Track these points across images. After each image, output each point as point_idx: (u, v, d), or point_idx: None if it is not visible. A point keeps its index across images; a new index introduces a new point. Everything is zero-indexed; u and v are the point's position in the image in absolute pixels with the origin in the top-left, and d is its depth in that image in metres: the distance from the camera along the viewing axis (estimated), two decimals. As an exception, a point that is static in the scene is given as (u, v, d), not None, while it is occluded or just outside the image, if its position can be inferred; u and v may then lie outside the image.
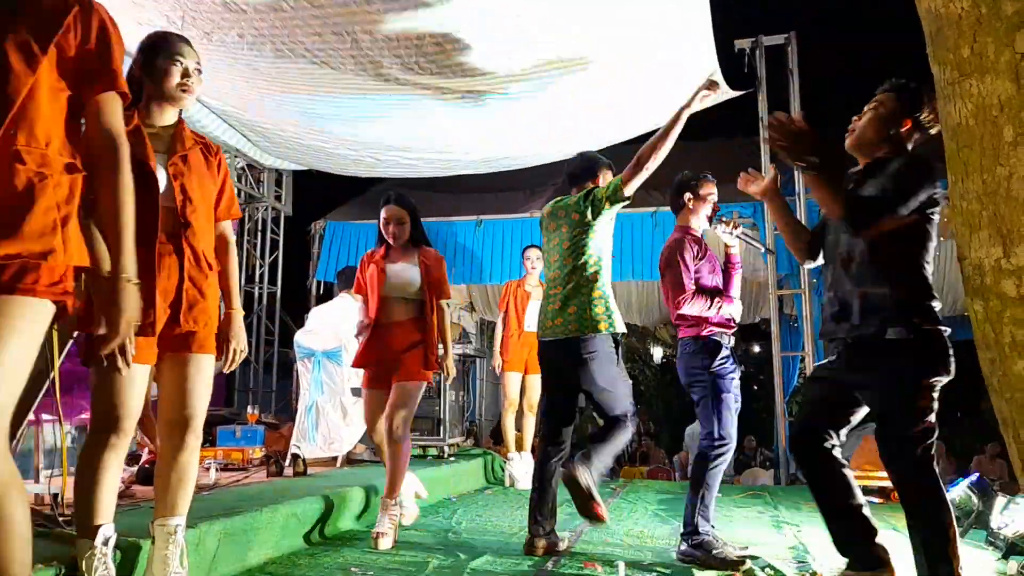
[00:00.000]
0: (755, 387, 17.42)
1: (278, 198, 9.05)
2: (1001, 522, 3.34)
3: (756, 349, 16.45)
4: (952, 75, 1.58)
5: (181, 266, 2.12)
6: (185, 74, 2.15)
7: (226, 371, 2.32)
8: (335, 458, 4.85)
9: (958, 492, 3.83)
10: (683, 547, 3.08)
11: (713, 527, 3.13)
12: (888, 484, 5.04)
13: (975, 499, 3.66)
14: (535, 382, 5.57)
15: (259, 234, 8.96)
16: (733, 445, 3.18)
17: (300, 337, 5.13)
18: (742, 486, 7.03)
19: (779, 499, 5.07)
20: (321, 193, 9.85)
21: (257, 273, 8.93)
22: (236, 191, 8.23)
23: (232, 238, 2.40)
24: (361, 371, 5.06)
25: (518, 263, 7.88)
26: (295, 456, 4.56)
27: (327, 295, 8.06)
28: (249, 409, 5.53)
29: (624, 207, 3.17)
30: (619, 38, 4.87)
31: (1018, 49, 1.47)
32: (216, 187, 2.30)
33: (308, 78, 5.22)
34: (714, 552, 3.00)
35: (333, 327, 4.99)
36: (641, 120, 6.20)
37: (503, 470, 6.32)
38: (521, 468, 5.52)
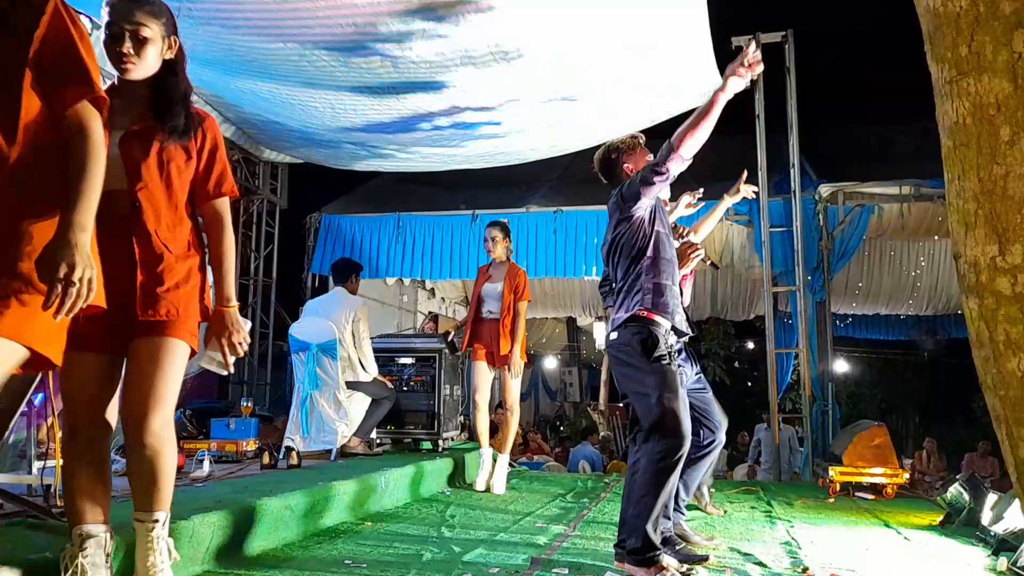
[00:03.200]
0: (749, 383, 17.49)
1: (273, 191, 9.03)
2: (992, 519, 3.36)
3: (750, 346, 16.49)
4: (950, 73, 1.58)
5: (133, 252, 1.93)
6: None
7: (222, 371, 2.13)
8: (329, 451, 4.86)
9: (950, 489, 3.86)
10: None
11: (677, 521, 3.22)
12: (879, 480, 5.08)
13: (966, 496, 3.69)
14: (507, 375, 4.85)
15: (254, 227, 8.94)
16: (688, 440, 3.22)
17: (295, 330, 5.12)
18: (735, 481, 7.07)
19: (772, 494, 5.09)
20: (316, 186, 9.85)
21: (252, 266, 8.91)
22: (231, 183, 8.27)
23: (225, 218, 2.10)
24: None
25: (514, 257, 7.89)
26: (289, 449, 4.56)
27: (322, 288, 8.05)
28: (243, 401, 5.52)
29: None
30: (615, 35, 4.86)
31: (1016, 48, 1.48)
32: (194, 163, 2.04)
33: (303, 74, 5.21)
34: (679, 548, 3.06)
35: (328, 321, 4.98)
36: (637, 117, 6.20)
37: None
38: (487, 470, 4.90)
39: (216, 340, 2.07)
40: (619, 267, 2.86)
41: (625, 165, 2.99)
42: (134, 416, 1.91)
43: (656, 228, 2.83)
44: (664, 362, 2.71)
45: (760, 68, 2.58)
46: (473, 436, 5.31)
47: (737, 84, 2.60)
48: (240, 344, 2.08)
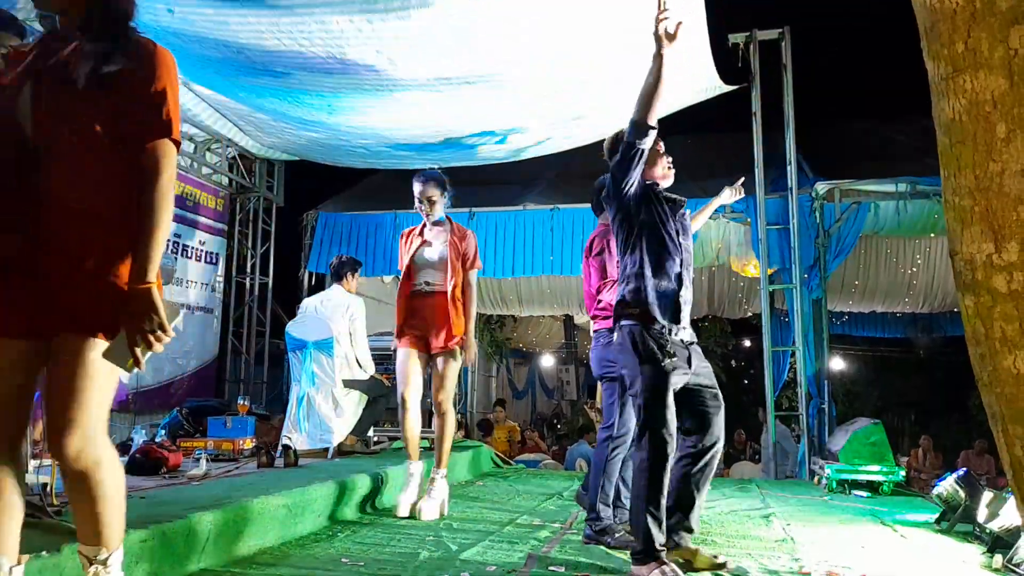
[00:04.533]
0: (745, 381, 17.50)
1: (270, 188, 9.02)
2: (987, 516, 3.36)
3: (747, 343, 16.50)
4: (946, 70, 1.58)
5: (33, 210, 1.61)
6: None
7: (126, 370, 1.61)
8: (326, 449, 4.85)
9: (945, 486, 3.86)
10: (587, 531, 3.25)
11: (617, 512, 3.30)
12: (876, 478, 5.09)
13: (962, 493, 3.69)
14: (445, 367, 3.80)
15: (250, 224, 8.92)
16: (629, 439, 3.28)
17: (291, 328, 5.12)
18: (731, 479, 7.08)
19: (768, 492, 5.10)
20: (313, 184, 9.84)
21: (248, 264, 8.90)
22: (227, 181, 8.23)
23: (159, 167, 1.65)
24: (348, 360, 4.98)
25: (511, 255, 7.89)
26: (286, 447, 4.56)
27: (319, 286, 8.05)
28: (240, 400, 5.51)
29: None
30: (612, 30, 4.86)
31: (1012, 45, 1.47)
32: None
33: (302, 71, 5.20)
34: (617, 536, 3.16)
35: (325, 318, 4.98)
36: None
37: (494, 462, 6.32)
38: (414, 490, 3.85)
39: (124, 328, 1.59)
40: (619, 254, 2.86)
41: None
42: (52, 433, 1.58)
43: (642, 218, 2.77)
44: (655, 361, 2.64)
45: (666, 22, 2.71)
46: (471, 434, 5.15)
47: (663, 42, 2.71)
48: (156, 334, 1.59)
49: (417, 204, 3.86)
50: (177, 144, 1.70)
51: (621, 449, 3.29)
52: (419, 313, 3.82)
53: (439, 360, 3.79)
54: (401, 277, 3.94)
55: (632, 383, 2.71)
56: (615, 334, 2.80)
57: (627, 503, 3.39)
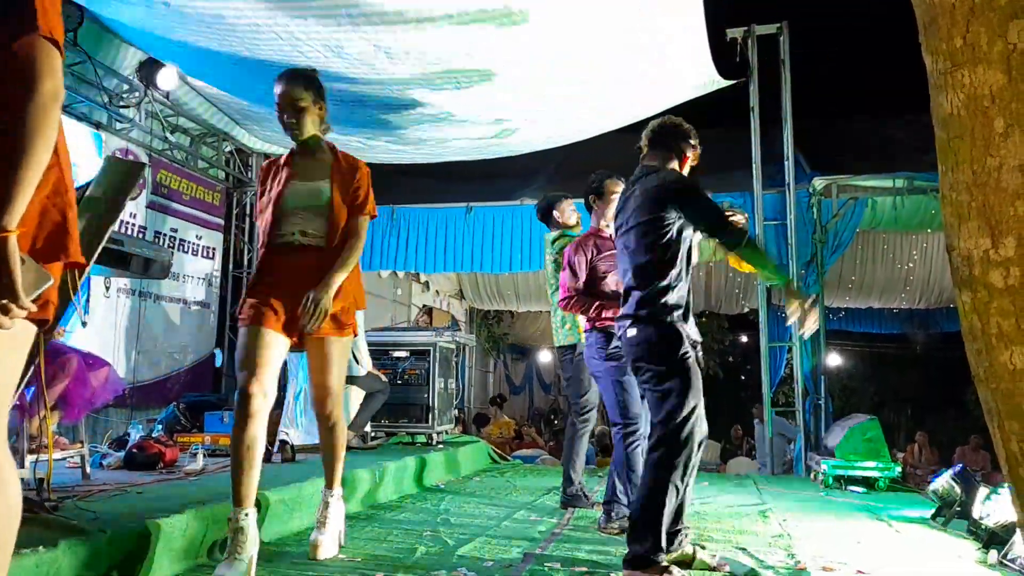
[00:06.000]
0: (742, 377, 17.54)
1: (267, 183, 8.99)
2: (983, 512, 3.37)
3: (744, 339, 16.54)
4: (944, 65, 1.58)
5: None
6: None
7: None
8: (323, 444, 4.85)
9: (941, 482, 3.87)
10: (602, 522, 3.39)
11: (623, 514, 3.35)
12: (872, 474, 5.10)
13: (958, 489, 3.70)
14: (328, 357, 2.65)
15: (247, 219, 8.89)
16: (643, 422, 3.29)
17: (288, 323, 5.11)
18: (728, 475, 7.09)
19: (765, 488, 5.11)
20: (310, 179, 9.80)
21: (245, 258, 8.88)
22: (224, 175, 8.21)
23: (32, 72, 1.18)
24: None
25: (508, 250, 7.88)
26: (283, 443, 4.55)
27: (316, 281, 8.02)
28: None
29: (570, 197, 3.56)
30: (609, 26, 4.84)
31: (1011, 40, 1.47)
32: None
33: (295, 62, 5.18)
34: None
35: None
36: (630, 109, 6.19)
37: (492, 458, 6.34)
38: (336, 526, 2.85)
39: None
40: (648, 251, 2.71)
41: (686, 153, 2.94)
42: None
43: (685, 234, 2.77)
44: (693, 361, 2.64)
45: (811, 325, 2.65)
46: (468, 430, 5.04)
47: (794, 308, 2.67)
48: (10, 303, 1.14)
49: (279, 115, 2.66)
50: (59, 47, 1.22)
51: (636, 438, 3.32)
52: (284, 276, 2.57)
53: (320, 346, 2.61)
54: (263, 228, 2.67)
55: (665, 379, 2.62)
56: (635, 330, 2.68)
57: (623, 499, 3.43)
